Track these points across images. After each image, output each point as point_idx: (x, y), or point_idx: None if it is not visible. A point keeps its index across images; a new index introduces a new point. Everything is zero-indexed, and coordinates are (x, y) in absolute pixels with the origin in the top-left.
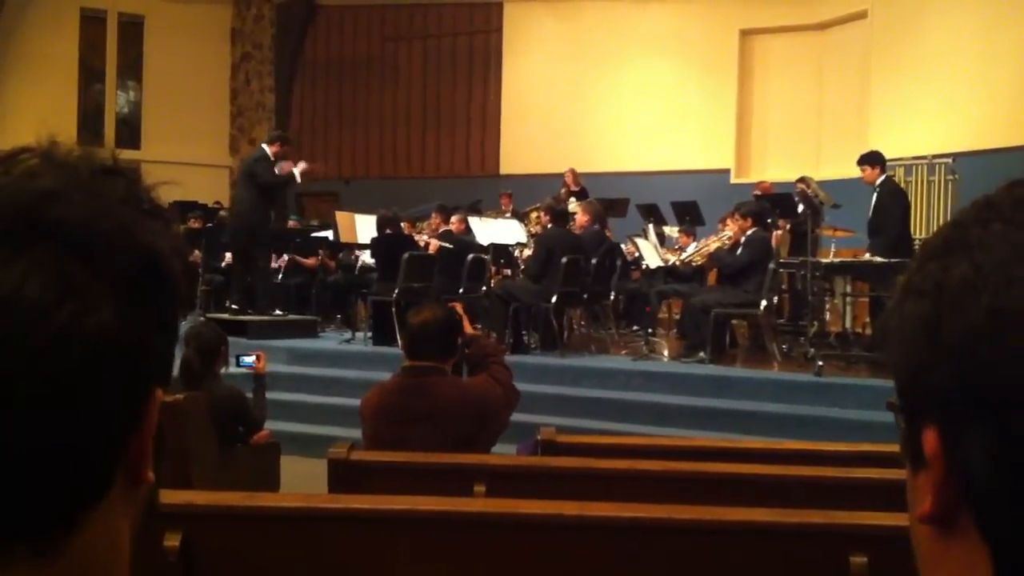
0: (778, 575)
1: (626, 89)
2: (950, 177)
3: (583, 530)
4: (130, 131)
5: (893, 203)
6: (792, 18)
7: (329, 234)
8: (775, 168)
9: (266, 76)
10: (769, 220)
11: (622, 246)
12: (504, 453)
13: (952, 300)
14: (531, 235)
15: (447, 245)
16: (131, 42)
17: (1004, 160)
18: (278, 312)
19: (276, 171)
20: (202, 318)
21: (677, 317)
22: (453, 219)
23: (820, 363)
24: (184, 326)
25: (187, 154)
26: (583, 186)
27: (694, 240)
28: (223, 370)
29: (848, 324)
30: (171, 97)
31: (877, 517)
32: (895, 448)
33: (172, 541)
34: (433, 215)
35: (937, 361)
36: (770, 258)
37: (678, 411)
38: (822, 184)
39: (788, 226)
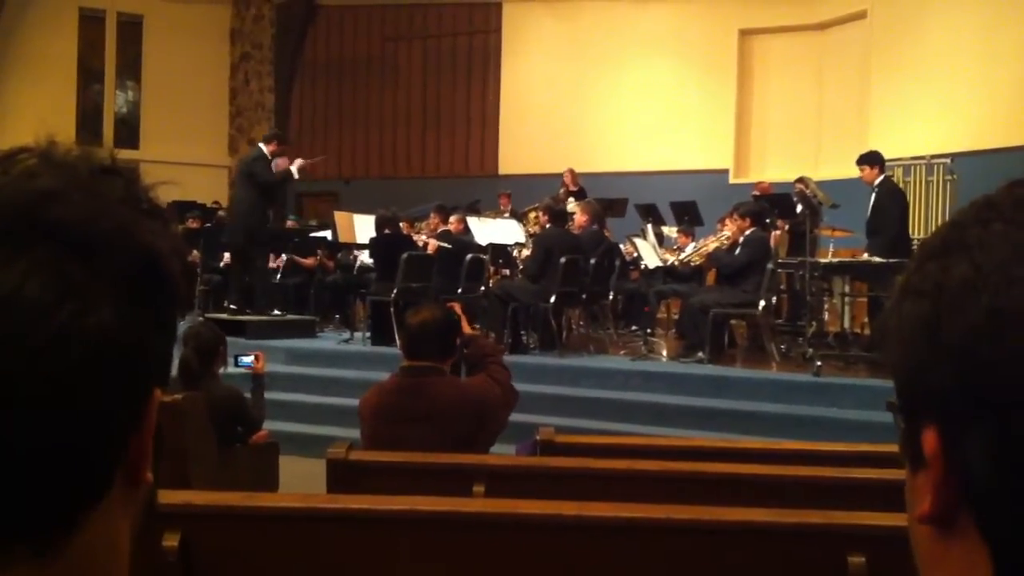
0: (777, 575)
1: (625, 89)
2: (949, 177)
3: (582, 530)
4: (129, 131)
5: (891, 203)
6: (792, 18)
7: (328, 234)
8: (774, 168)
9: (265, 76)
10: (768, 220)
11: (621, 246)
12: (503, 453)
13: (952, 300)
14: (530, 235)
15: (446, 245)
16: (130, 42)
17: (1003, 160)
18: (276, 312)
19: (273, 169)
20: (201, 318)
21: (676, 317)
22: (452, 219)
23: (818, 363)
24: (183, 326)
25: (186, 154)
26: (582, 186)
27: (693, 240)
28: (222, 370)
29: (847, 324)
30: (170, 97)
31: (875, 517)
32: (894, 448)
33: (171, 541)
34: (432, 215)
35: (937, 361)
36: (768, 258)
37: (677, 411)
38: (821, 184)
39: (787, 226)
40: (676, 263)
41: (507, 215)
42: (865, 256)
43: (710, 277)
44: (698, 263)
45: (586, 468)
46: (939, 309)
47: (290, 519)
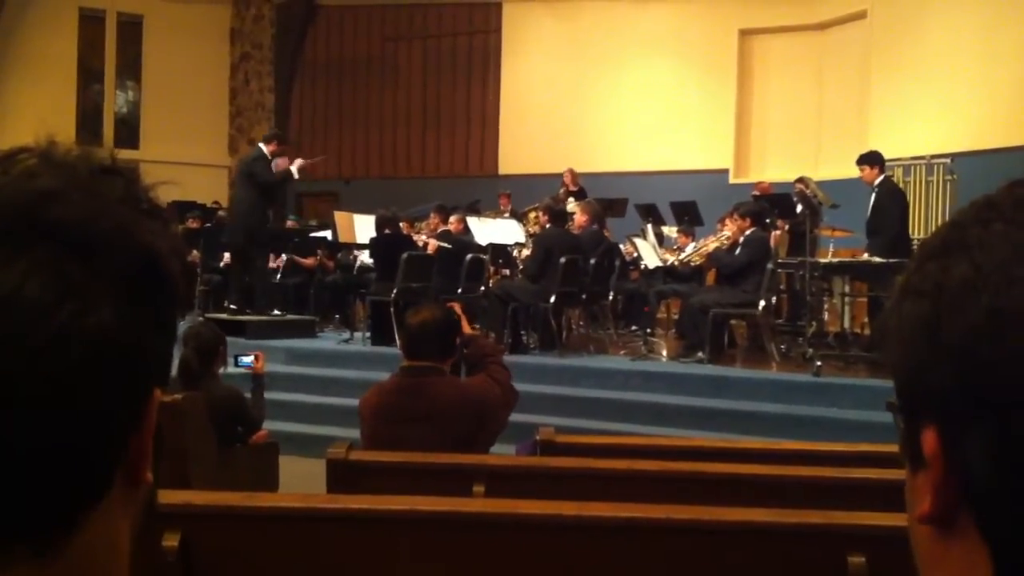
0: (777, 575)
1: (625, 89)
2: (949, 177)
3: (582, 530)
4: (129, 131)
5: (891, 203)
6: (792, 18)
7: (328, 234)
8: (774, 168)
9: (265, 76)
10: (768, 220)
11: (621, 246)
12: (503, 453)
13: (952, 300)
14: (530, 235)
15: (446, 245)
16: (130, 42)
17: (1003, 160)
18: (276, 312)
19: (273, 169)
20: (201, 318)
21: (676, 317)
22: (452, 219)
23: (818, 363)
24: (183, 326)
25: (186, 154)
26: (582, 186)
27: (693, 240)
28: (222, 370)
29: (847, 324)
30: (170, 97)
31: (876, 517)
32: (894, 448)
33: (171, 541)
34: (432, 215)
35: (937, 361)
36: (768, 258)
37: (677, 411)
38: (821, 184)
39: (787, 226)
40: (676, 263)
41: (507, 215)
42: (865, 256)
43: (710, 277)
44: (698, 263)
45: (586, 468)
46: (939, 309)
47: (290, 519)
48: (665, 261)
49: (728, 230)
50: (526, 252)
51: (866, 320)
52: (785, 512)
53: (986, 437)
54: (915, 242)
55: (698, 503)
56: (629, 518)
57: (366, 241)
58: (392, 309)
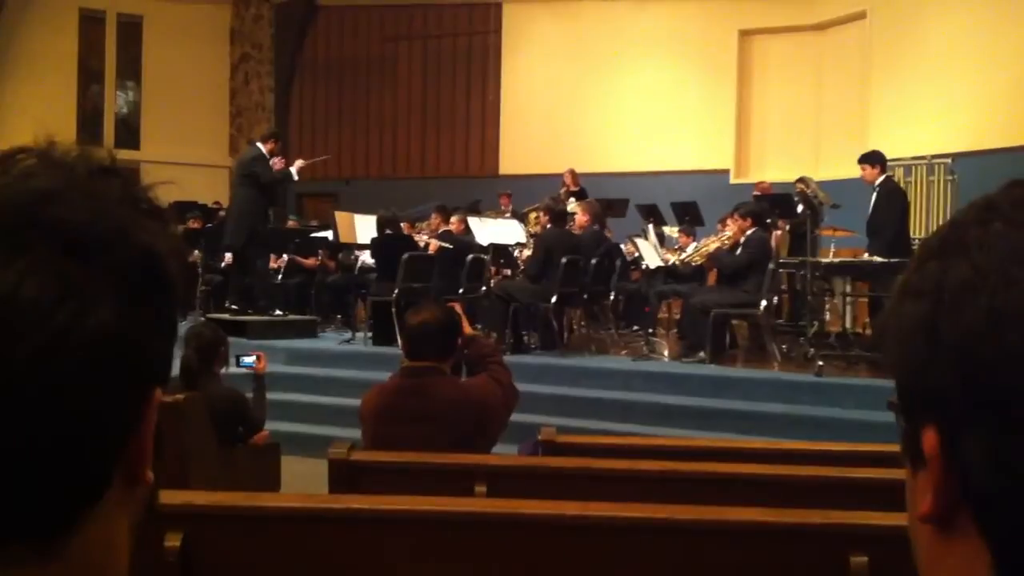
0: (778, 575)
1: (626, 89)
2: (949, 177)
3: (583, 530)
4: (129, 131)
5: (892, 203)
6: (791, 18)
7: (329, 234)
8: (774, 168)
9: (265, 76)
10: (768, 220)
11: (622, 246)
12: (505, 453)
13: (951, 300)
14: (531, 235)
15: (447, 245)
16: (130, 42)
17: (1003, 160)
18: (278, 312)
19: (272, 167)
20: (202, 318)
21: (677, 317)
22: (453, 219)
23: (820, 363)
24: (184, 326)
25: (186, 154)
26: (582, 186)
27: (694, 240)
28: (223, 370)
29: (848, 324)
30: (170, 97)
31: (877, 517)
32: (895, 448)
33: (172, 541)
34: (433, 215)
35: (936, 361)
36: (769, 258)
37: (678, 411)
38: (821, 184)
39: (787, 226)
40: (677, 263)
41: (508, 215)
42: (866, 256)
43: (711, 277)
44: (699, 263)
45: (588, 468)
46: (939, 309)
47: (291, 519)
48: (666, 261)
49: (729, 230)
50: (527, 252)
51: (867, 320)
52: (787, 512)
53: (986, 437)
54: (916, 242)
55: (699, 503)
56: (630, 518)
57: (367, 241)
58: (393, 309)
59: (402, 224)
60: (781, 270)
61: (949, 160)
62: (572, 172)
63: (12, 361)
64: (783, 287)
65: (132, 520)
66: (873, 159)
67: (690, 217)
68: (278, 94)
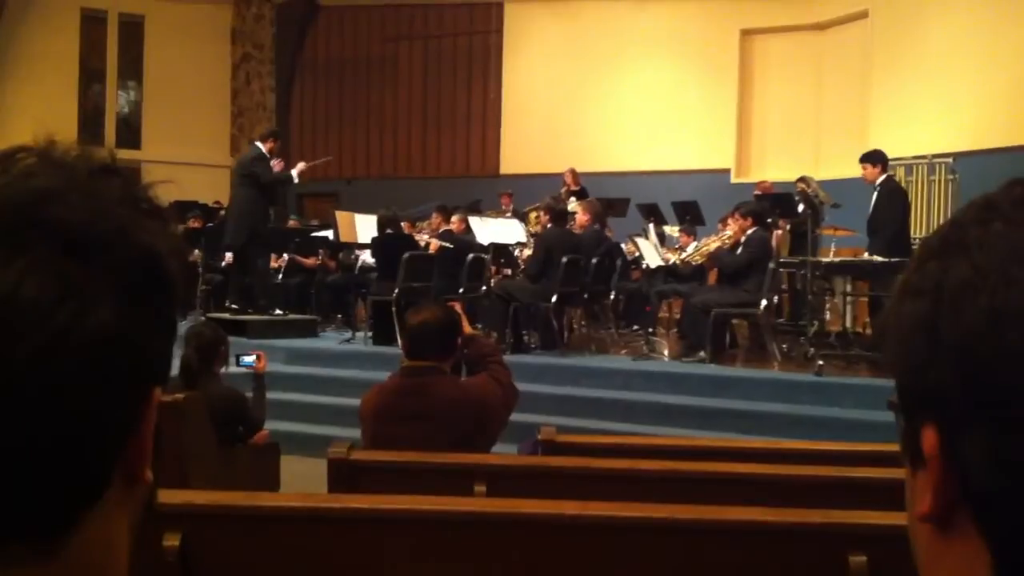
0: (777, 574)
1: (626, 89)
2: (950, 177)
3: (583, 530)
4: (130, 131)
5: (893, 202)
6: (792, 18)
7: (329, 234)
8: (775, 168)
9: (266, 76)
10: (769, 220)
11: (622, 246)
12: (505, 453)
13: (951, 300)
14: (531, 235)
15: (447, 245)
16: (131, 42)
17: (1004, 160)
18: (278, 312)
19: (272, 167)
20: (203, 318)
21: (677, 317)
22: (453, 219)
23: (820, 363)
24: (184, 326)
25: (187, 154)
26: (583, 186)
27: (694, 240)
28: (223, 370)
29: (848, 323)
30: (171, 97)
31: (877, 516)
32: (895, 447)
33: (171, 541)
34: (433, 215)
35: (936, 361)
36: (770, 258)
37: (678, 411)
38: (822, 184)
39: (788, 226)
40: (678, 263)
41: (508, 215)
42: (866, 255)
43: (712, 277)
44: (700, 263)
45: (587, 468)
46: (939, 309)
47: (291, 519)
48: (667, 261)
49: (730, 230)
50: (528, 252)
51: (868, 319)
52: (786, 511)
53: (985, 437)
54: (916, 241)
55: (699, 503)
56: (630, 518)
57: (367, 241)
58: (393, 309)
59: (403, 223)
60: (781, 269)
61: (950, 160)
62: (573, 171)
63: (12, 361)
64: (783, 286)
65: (132, 520)
66: (874, 158)
67: (691, 216)
68: (279, 94)
